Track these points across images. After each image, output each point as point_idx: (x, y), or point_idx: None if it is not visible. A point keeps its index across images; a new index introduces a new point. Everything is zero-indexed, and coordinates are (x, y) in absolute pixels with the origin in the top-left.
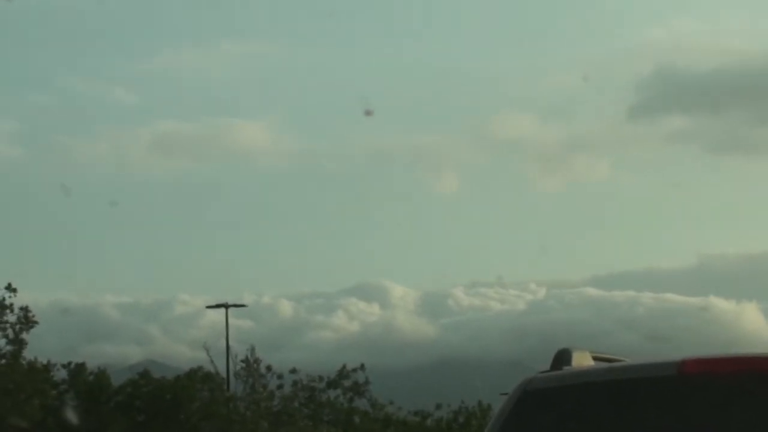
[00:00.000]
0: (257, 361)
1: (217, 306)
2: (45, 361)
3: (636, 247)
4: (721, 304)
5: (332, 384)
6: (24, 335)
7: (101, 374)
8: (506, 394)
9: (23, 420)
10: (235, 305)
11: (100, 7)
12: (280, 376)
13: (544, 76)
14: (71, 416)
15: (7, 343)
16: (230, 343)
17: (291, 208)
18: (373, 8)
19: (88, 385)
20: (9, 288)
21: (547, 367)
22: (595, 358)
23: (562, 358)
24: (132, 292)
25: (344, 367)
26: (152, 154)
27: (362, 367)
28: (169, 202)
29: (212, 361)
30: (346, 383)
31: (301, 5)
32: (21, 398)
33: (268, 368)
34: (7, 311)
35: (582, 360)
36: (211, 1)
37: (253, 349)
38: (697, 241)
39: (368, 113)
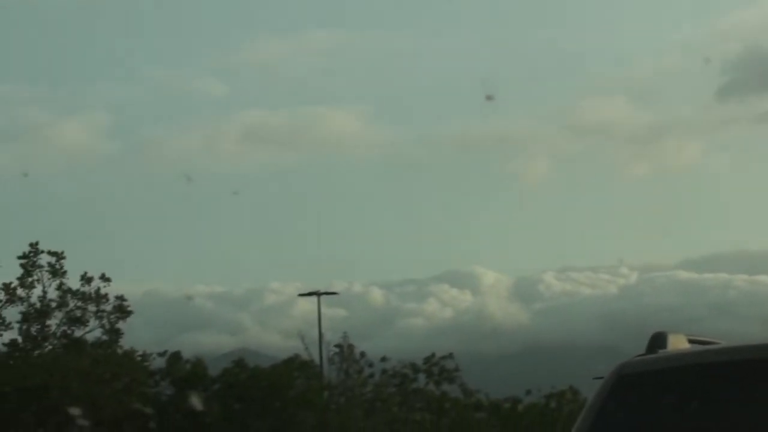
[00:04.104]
0: (351, 346)
1: (309, 294)
2: (141, 351)
3: (728, 230)
4: None
5: (418, 369)
6: (120, 325)
7: (198, 362)
8: (600, 378)
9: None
10: (327, 293)
11: None
12: (371, 365)
13: (631, 60)
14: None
15: (103, 333)
16: (322, 331)
17: (380, 196)
18: None
19: (185, 373)
20: (103, 278)
21: (642, 351)
22: (690, 341)
23: (658, 341)
24: (224, 281)
25: (433, 355)
26: (242, 145)
27: (450, 355)
28: (258, 192)
29: (307, 349)
30: (435, 370)
31: None
32: (118, 387)
33: (362, 354)
34: (103, 300)
35: (678, 343)
36: None
37: (346, 336)
38: None
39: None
